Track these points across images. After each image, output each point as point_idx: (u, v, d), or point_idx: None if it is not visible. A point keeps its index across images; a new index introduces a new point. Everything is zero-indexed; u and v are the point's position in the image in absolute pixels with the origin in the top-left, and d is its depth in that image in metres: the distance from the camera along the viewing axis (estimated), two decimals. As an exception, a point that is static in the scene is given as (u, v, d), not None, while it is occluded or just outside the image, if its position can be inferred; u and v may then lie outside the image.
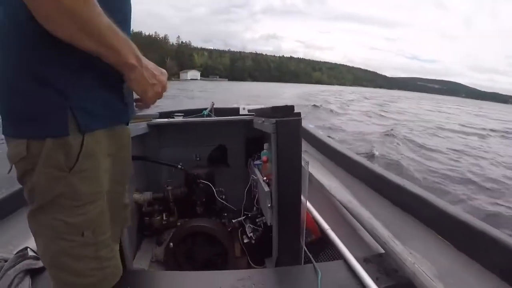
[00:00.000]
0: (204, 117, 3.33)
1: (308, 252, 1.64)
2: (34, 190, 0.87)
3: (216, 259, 2.25)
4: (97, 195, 0.93)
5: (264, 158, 1.96)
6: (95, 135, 0.91)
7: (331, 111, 20.77)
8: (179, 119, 2.82)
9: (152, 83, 0.96)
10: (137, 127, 2.08)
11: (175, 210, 2.51)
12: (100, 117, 0.93)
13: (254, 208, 2.38)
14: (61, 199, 0.86)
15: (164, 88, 1.01)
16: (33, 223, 0.91)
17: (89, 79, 0.89)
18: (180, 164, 2.50)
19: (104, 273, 0.96)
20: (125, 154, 1.12)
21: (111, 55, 0.84)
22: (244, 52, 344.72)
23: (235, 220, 2.40)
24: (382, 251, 1.54)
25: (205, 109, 3.59)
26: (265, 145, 2.08)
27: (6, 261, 1.39)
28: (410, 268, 1.31)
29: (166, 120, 2.78)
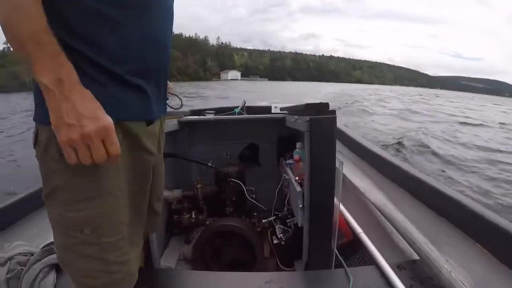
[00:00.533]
0: (235, 115, 3.29)
1: (339, 256, 1.57)
2: (42, 179, 0.88)
3: (244, 259, 2.20)
4: (97, 192, 0.87)
5: (296, 157, 1.89)
6: None
7: (364, 109, 20.31)
8: (210, 116, 2.79)
9: (68, 122, 0.73)
10: (167, 124, 2.06)
11: (205, 209, 2.48)
12: None
13: (285, 209, 2.32)
14: (58, 191, 0.86)
15: (85, 138, 0.74)
16: (47, 213, 0.91)
17: (89, 72, 0.82)
18: (211, 162, 2.47)
19: (111, 277, 0.93)
20: (146, 155, 1.02)
21: (30, 67, 0.72)
22: (283, 51, 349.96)
23: (265, 220, 2.34)
24: (417, 257, 1.44)
25: (237, 107, 3.55)
26: (298, 144, 2.01)
27: (32, 254, 1.39)
28: (446, 277, 1.22)
29: (197, 117, 2.76)
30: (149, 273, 1.46)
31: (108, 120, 0.77)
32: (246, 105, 3.68)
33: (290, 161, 2.20)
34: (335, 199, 1.54)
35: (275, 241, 2.23)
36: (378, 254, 1.48)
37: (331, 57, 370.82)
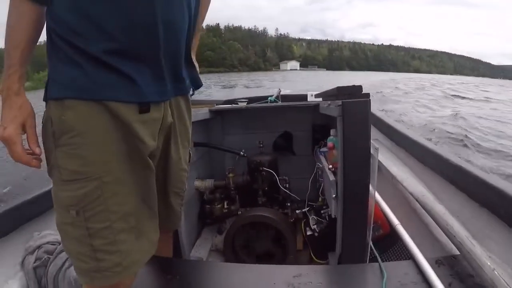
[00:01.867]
0: (269, 103, 3.22)
1: (374, 250, 1.48)
2: None
3: (277, 251, 2.15)
4: (82, 175, 0.87)
5: (330, 144, 1.80)
6: (78, 109, 0.87)
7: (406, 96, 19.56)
8: (243, 105, 2.73)
9: (2, 125, 0.88)
10: (198, 113, 2.02)
11: (237, 199, 2.44)
12: (75, 88, 0.87)
13: (319, 199, 2.23)
14: (53, 170, 0.91)
15: (2, 141, 0.89)
16: None
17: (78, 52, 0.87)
18: (243, 151, 2.43)
19: (99, 265, 0.92)
20: (139, 143, 0.97)
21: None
22: (342, 41, 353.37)
23: (299, 211, 2.28)
24: (457, 252, 1.33)
25: (271, 96, 3.48)
26: (332, 131, 1.92)
27: (60, 243, 1.39)
28: (489, 275, 1.10)
29: (229, 106, 2.71)
30: (175, 264, 1.43)
31: (8, 132, 0.87)
32: (281, 93, 3.60)
33: (324, 149, 2.11)
34: (371, 189, 1.45)
35: (309, 233, 2.16)
36: (415, 248, 1.38)
37: (390, 46, 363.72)
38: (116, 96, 0.89)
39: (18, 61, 0.88)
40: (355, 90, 1.44)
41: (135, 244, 0.99)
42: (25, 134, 0.92)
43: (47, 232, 1.48)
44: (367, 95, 1.42)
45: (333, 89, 1.65)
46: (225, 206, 2.37)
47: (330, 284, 1.26)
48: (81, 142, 0.87)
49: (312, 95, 3.25)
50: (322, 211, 2.13)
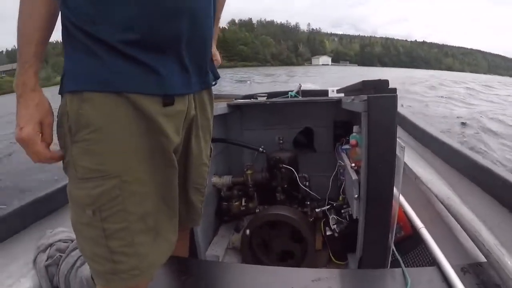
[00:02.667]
0: (289, 98, 3.16)
1: (397, 254, 1.41)
2: None
3: (295, 251, 2.09)
4: (100, 173, 0.83)
5: (353, 141, 1.72)
6: (97, 102, 0.82)
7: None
8: (262, 99, 2.67)
9: (16, 122, 0.84)
10: (216, 107, 1.97)
11: (255, 196, 2.40)
12: (94, 80, 0.82)
13: (340, 198, 2.17)
14: (68, 167, 0.86)
15: (18, 141, 0.84)
16: None
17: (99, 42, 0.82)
18: (262, 147, 2.37)
19: (116, 267, 0.88)
20: (163, 139, 0.92)
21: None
22: (374, 36, 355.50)
23: (318, 209, 2.21)
24: (483, 259, 1.25)
25: (291, 91, 3.40)
26: (355, 128, 1.84)
27: (73, 241, 1.37)
28: None
29: (248, 100, 2.66)
30: (190, 264, 1.39)
31: (25, 132, 0.82)
32: (302, 88, 3.53)
33: (346, 146, 2.04)
34: (395, 190, 1.37)
35: (328, 233, 2.09)
36: (441, 254, 1.30)
37: (423, 42, 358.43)
38: (138, 88, 0.85)
39: (33, 56, 0.84)
40: (381, 84, 1.36)
41: (153, 245, 0.95)
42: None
43: (60, 230, 1.47)
44: (394, 90, 1.35)
45: (357, 84, 1.57)
46: (243, 204, 2.33)
47: None
48: (99, 138, 0.82)
49: (333, 91, 3.17)
50: (342, 211, 2.07)
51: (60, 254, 1.35)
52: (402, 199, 1.75)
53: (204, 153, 1.17)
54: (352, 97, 1.66)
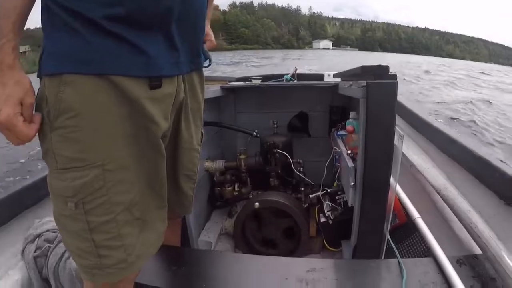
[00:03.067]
0: (284, 82, 3.10)
1: (392, 244, 1.39)
2: None
3: (288, 238, 2.07)
4: (81, 162, 0.77)
5: (349, 128, 1.69)
6: (77, 85, 0.74)
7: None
8: (257, 82, 2.61)
9: None
10: (209, 90, 1.92)
11: (248, 181, 2.36)
12: (74, 60, 0.74)
13: (335, 184, 2.14)
14: (47, 156, 0.80)
15: (2, 125, 0.73)
16: None
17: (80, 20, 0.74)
18: (256, 131, 2.32)
19: (101, 261, 0.83)
20: (150, 124, 0.86)
21: None
22: (376, 21, 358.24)
23: (313, 195, 2.18)
24: (479, 252, 1.24)
25: (287, 74, 3.34)
26: (352, 114, 1.80)
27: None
28: None
29: (242, 83, 2.60)
30: (181, 253, 1.35)
31: (4, 114, 0.72)
32: (297, 72, 3.47)
33: (342, 132, 2.00)
34: (392, 179, 1.34)
35: (322, 219, 2.07)
36: (436, 245, 1.28)
37: (425, 29, 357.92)
38: (122, 70, 0.78)
39: (11, 30, 0.74)
40: (381, 70, 1.31)
41: (140, 236, 0.90)
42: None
43: (48, 219, 1.42)
44: (394, 76, 1.30)
45: (356, 68, 1.53)
46: (236, 189, 2.30)
47: (346, 280, 1.18)
48: (80, 124, 0.75)
49: (329, 75, 3.12)
50: (337, 197, 2.05)
51: (49, 244, 1.31)
52: (398, 188, 1.72)
53: (194, 138, 1.11)
54: (350, 82, 1.62)
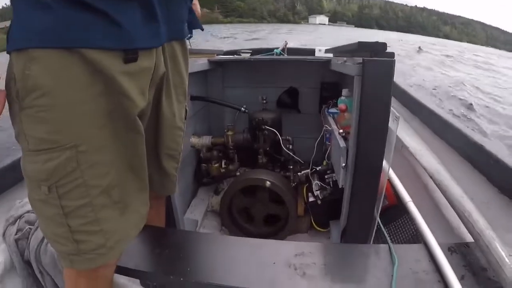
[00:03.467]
0: (274, 56, 3.00)
1: (383, 229, 1.38)
2: None
3: (275, 217, 2.04)
4: (52, 143, 0.71)
5: (342, 106, 1.63)
6: (45, 60, 0.67)
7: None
8: (246, 56, 2.52)
9: None
10: (195, 63, 1.83)
11: (236, 158, 2.32)
12: (41, 34, 0.66)
13: (324, 163, 2.09)
14: (20, 138, 0.74)
15: None
16: None
17: None
18: (244, 106, 2.24)
19: (78, 247, 0.78)
20: (125, 101, 0.78)
21: None
22: None
23: (301, 173, 2.14)
24: (471, 239, 1.20)
25: (277, 48, 3.24)
26: (344, 91, 1.74)
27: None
28: (506, 269, 0.98)
29: (231, 56, 2.50)
30: (165, 235, 1.30)
31: None
32: (287, 46, 3.37)
33: (333, 110, 1.94)
34: (385, 162, 1.29)
35: (311, 199, 2.04)
36: (428, 232, 1.24)
37: (423, 9, 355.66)
38: (93, 42, 0.70)
39: None
40: (379, 47, 1.24)
41: (120, 220, 0.85)
42: None
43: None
44: (392, 54, 1.24)
45: (351, 44, 1.45)
46: (223, 166, 2.25)
47: (335, 266, 1.14)
48: (49, 102, 0.68)
49: (320, 50, 3.04)
50: (326, 176, 2.01)
51: (30, 226, 1.24)
52: (391, 171, 1.68)
53: (177, 115, 1.04)
54: (344, 58, 1.55)
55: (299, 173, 2.15)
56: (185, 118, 1.13)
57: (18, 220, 1.27)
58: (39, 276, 1.25)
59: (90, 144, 0.74)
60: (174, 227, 1.66)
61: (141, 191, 0.93)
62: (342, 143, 1.48)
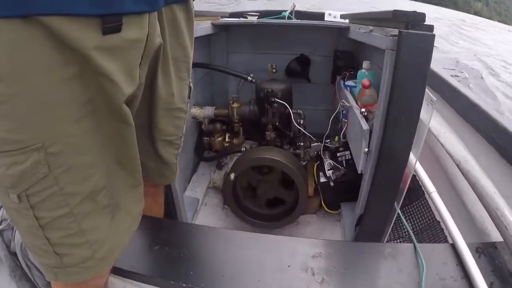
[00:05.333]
0: (284, 19, 2.79)
1: (408, 226, 1.27)
2: None
3: (284, 198, 1.92)
4: (15, 144, 0.54)
5: (365, 81, 1.46)
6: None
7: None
8: (253, 19, 2.32)
9: None
10: (197, 27, 1.64)
11: (241, 132, 2.17)
12: None
13: (336, 139, 1.95)
14: None
15: None
16: None
17: None
18: (251, 75, 2.06)
19: (61, 261, 0.66)
20: (106, 83, 0.61)
21: None
22: None
23: (313, 151, 2.00)
24: (500, 239, 1.11)
25: (285, 11, 3.02)
26: (365, 63, 1.57)
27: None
28: None
29: (236, 20, 2.31)
30: (166, 227, 1.17)
31: None
32: (295, 9, 3.14)
33: (350, 83, 1.78)
34: (411, 155, 1.18)
35: (322, 180, 1.92)
36: (456, 231, 1.12)
37: None
38: (59, 6, 0.50)
39: None
40: (416, 18, 1.07)
41: (110, 227, 0.72)
42: None
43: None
44: (431, 27, 1.06)
45: (381, 12, 1.27)
46: (227, 140, 2.11)
47: (357, 270, 1.03)
48: (5, 92, 0.51)
49: (330, 15, 2.82)
50: (338, 154, 1.88)
51: None
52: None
53: (177, 95, 0.88)
54: (370, 27, 1.37)
55: (309, 152, 2.01)
56: (189, 97, 0.97)
57: (1, 210, 1.14)
58: (26, 269, 1.15)
59: (63, 143, 0.58)
60: (173, 207, 1.53)
61: (134, 188, 0.80)
62: (365, 125, 1.34)
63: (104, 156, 0.67)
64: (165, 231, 1.14)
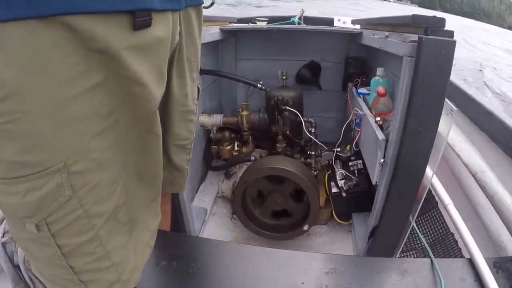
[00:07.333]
0: (294, 25, 2.77)
1: (424, 241, 1.23)
2: None
3: (294, 210, 1.88)
4: (32, 168, 0.48)
5: (381, 89, 1.42)
6: (9, 41, 0.41)
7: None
8: (262, 24, 2.30)
9: None
10: (206, 32, 1.62)
11: (250, 140, 2.14)
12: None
13: (347, 147, 1.91)
14: None
15: None
16: None
17: None
18: (261, 82, 2.04)
19: None
20: (136, 87, 0.57)
21: None
22: None
23: (323, 157, 1.98)
24: None
25: (294, 16, 3.00)
26: (379, 70, 1.54)
27: None
28: None
29: (245, 25, 2.28)
30: (173, 242, 1.14)
31: None
32: (304, 14, 3.12)
33: (363, 90, 1.74)
34: (428, 168, 1.15)
35: (334, 190, 1.87)
36: (474, 246, 1.08)
37: None
38: (85, 4, 0.44)
39: None
40: (436, 24, 1.04)
41: (130, 244, 0.68)
42: None
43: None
44: (451, 33, 1.03)
45: (399, 17, 1.24)
46: (236, 148, 2.08)
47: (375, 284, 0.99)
48: (19, 107, 0.44)
49: (339, 20, 2.79)
50: (350, 163, 1.84)
51: None
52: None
53: (190, 97, 0.85)
54: (386, 33, 1.33)
55: (320, 161, 1.98)
56: (198, 98, 0.94)
57: (3, 221, 1.11)
58: (30, 283, 1.11)
59: (86, 160, 0.53)
60: (181, 218, 1.50)
61: (151, 202, 0.77)
62: (380, 135, 1.30)
63: (126, 170, 0.64)
64: (173, 245, 1.11)
